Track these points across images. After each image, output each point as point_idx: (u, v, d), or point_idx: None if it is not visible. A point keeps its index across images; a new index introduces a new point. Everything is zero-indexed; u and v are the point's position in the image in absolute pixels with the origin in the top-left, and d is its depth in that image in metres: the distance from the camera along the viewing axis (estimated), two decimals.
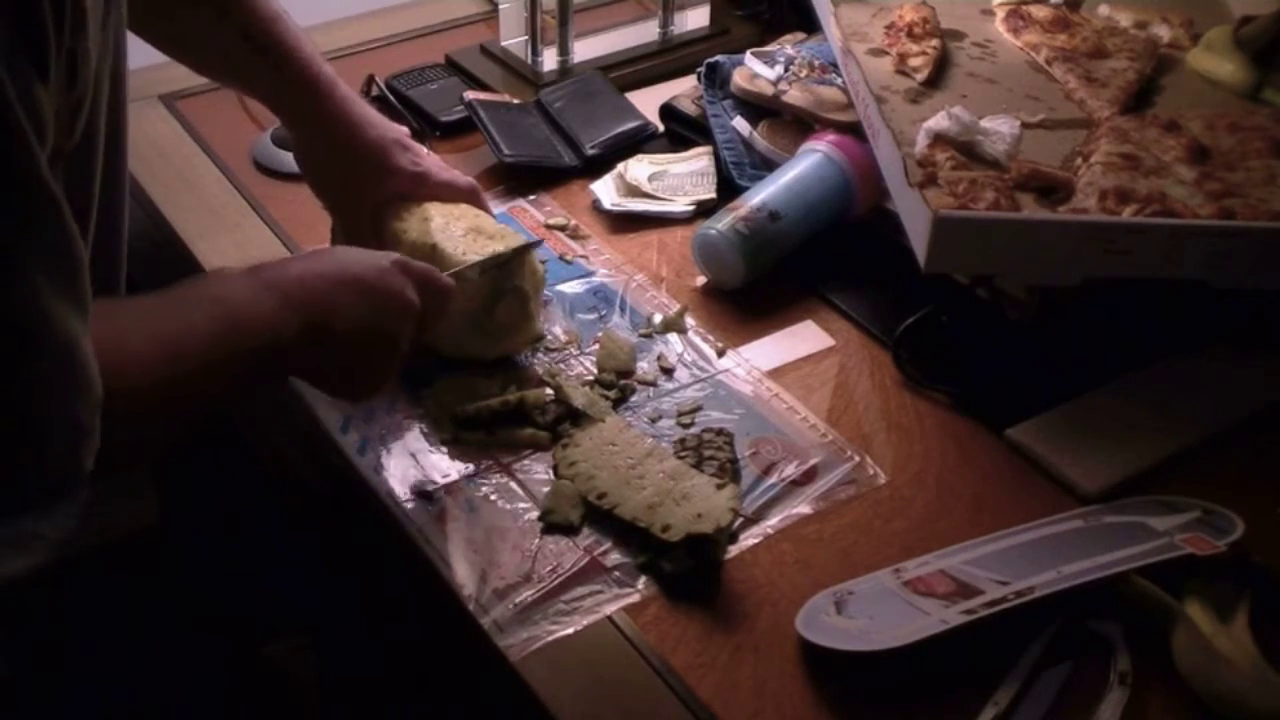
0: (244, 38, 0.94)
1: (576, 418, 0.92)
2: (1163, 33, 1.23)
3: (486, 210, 1.01)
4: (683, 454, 0.89)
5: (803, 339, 1.02)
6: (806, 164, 1.09)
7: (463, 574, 0.82)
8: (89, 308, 0.63)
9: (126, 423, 0.67)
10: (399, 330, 0.84)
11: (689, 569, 0.81)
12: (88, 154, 0.71)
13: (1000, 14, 1.24)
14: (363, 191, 0.97)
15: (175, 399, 0.73)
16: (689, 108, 1.23)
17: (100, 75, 0.69)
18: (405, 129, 1.01)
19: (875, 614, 0.77)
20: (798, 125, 1.17)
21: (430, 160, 1.00)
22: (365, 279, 0.82)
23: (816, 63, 1.20)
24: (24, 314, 0.58)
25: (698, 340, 1.01)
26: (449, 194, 0.99)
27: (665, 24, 1.38)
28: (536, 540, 0.84)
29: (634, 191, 1.16)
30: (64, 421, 0.62)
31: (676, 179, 1.17)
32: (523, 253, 0.95)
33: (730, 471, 0.88)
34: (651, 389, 0.96)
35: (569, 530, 0.84)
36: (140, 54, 1.29)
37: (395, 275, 0.84)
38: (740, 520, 0.85)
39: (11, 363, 0.59)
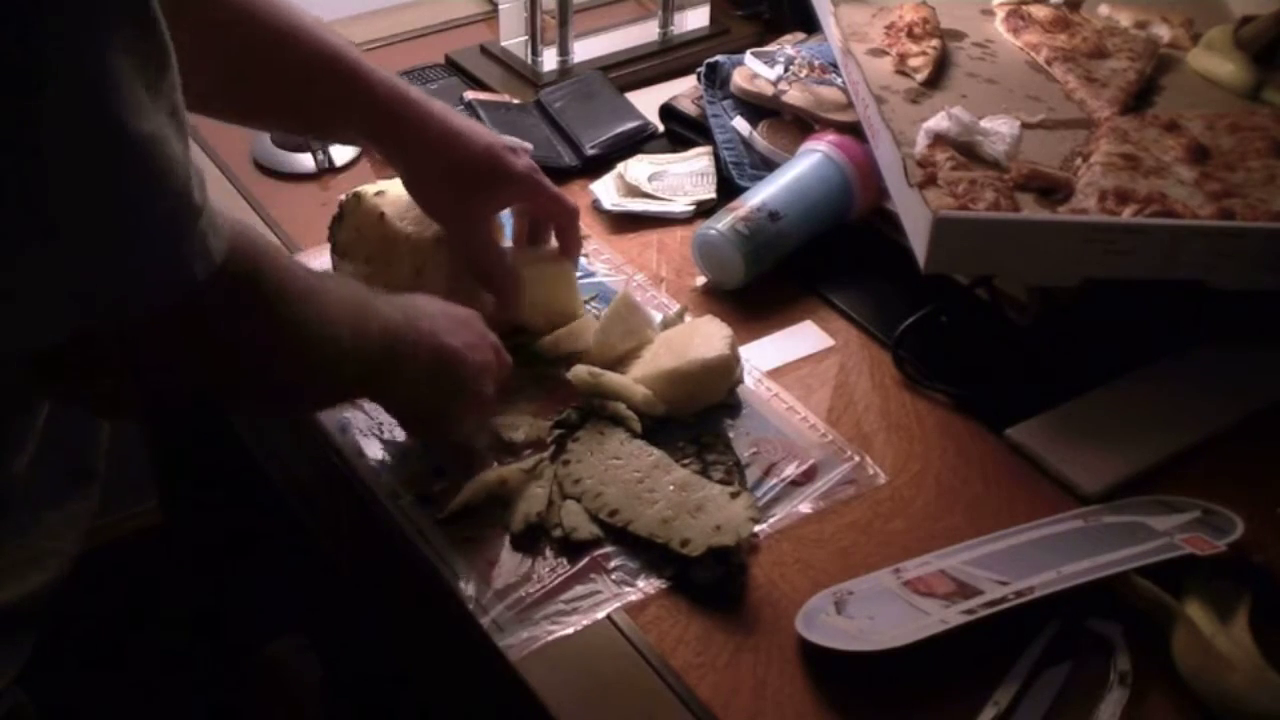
0: (311, 64, 0.92)
1: (574, 432, 0.91)
2: (1163, 33, 1.23)
3: (575, 237, 1.01)
4: (685, 460, 0.88)
5: (803, 339, 1.02)
6: (806, 164, 1.09)
7: (463, 574, 0.82)
8: (183, 121, 0.62)
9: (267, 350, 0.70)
10: (487, 369, 0.87)
11: (720, 576, 0.81)
12: None
13: (1000, 14, 1.24)
14: (479, 202, 0.96)
15: (314, 350, 0.74)
16: (689, 108, 1.23)
17: None
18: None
19: (875, 614, 0.77)
20: (798, 125, 1.17)
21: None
22: (467, 314, 0.88)
23: (816, 63, 1.20)
24: (109, 109, 0.56)
25: None
26: (556, 208, 0.99)
27: (665, 24, 1.38)
28: (537, 541, 0.84)
29: (634, 191, 1.16)
30: (156, 218, 0.60)
31: (676, 179, 1.17)
32: None
33: (739, 476, 0.87)
34: None
35: (595, 545, 0.83)
36: None
37: (482, 324, 0.89)
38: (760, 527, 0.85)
39: (97, 157, 0.57)
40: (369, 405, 0.94)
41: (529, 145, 1.02)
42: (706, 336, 0.94)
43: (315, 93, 0.93)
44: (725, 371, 0.93)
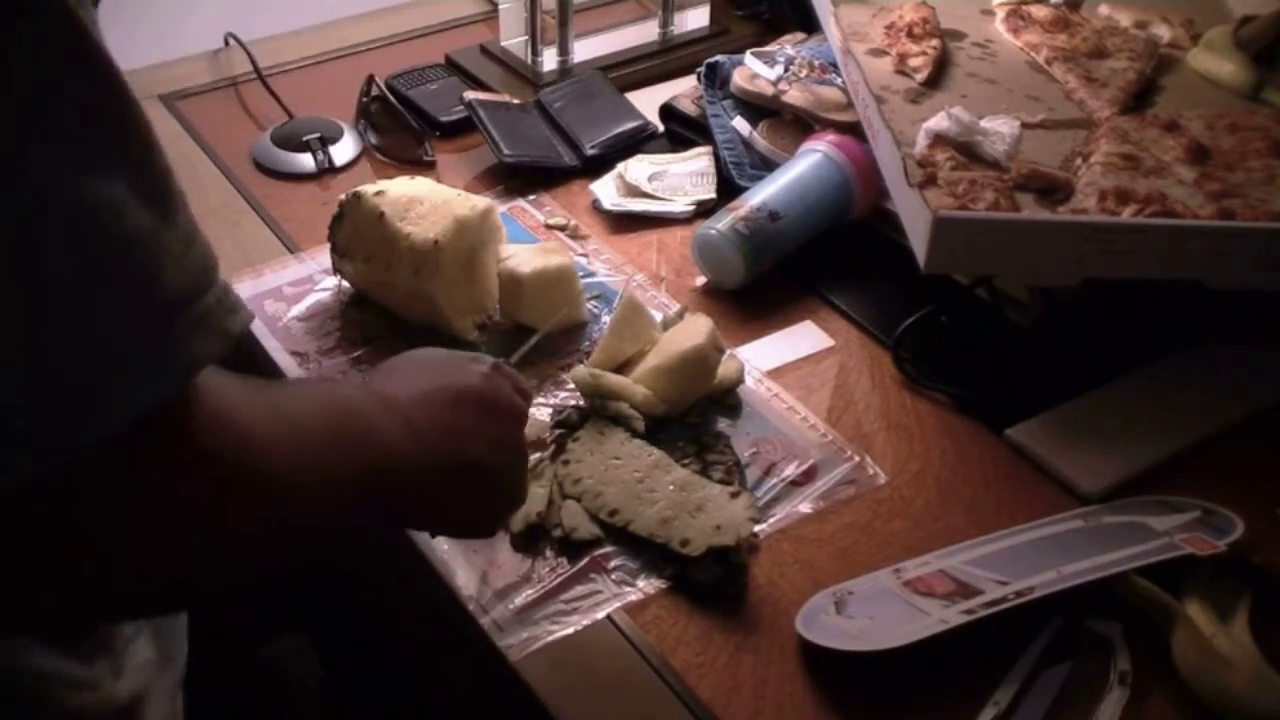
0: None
1: (574, 432, 0.91)
2: (1163, 33, 1.23)
3: None
4: (685, 460, 0.88)
5: (802, 339, 1.02)
6: (806, 164, 1.09)
7: (463, 574, 0.82)
8: (173, 206, 0.52)
9: (237, 514, 0.56)
10: (521, 438, 0.76)
11: (720, 576, 0.81)
12: None
13: (1000, 14, 1.24)
14: None
15: (289, 493, 0.59)
16: (689, 108, 1.23)
17: None
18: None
19: (875, 614, 0.77)
20: (798, 125, 1.17)
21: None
22: (482, 392, 0.73)
23: (816, 63, 1.20)
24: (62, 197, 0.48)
25: None
26: None
27: (665, 24, 1.38)
28: (537, 541, 0.84)
29: (634, 191, 1.16)
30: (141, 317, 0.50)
31: (676, 179, 1.17)
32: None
33: (739, 476, 0.87)
34: None
35: (595, 545, 0.83)
36: (140, 54, 1.29)
37: (501, 380, 0.75)
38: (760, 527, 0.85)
39: (60, 256, 0.48)
40: None
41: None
42: (688, 332, 0.94)
43: None
44: (703, 362, 0.92)
